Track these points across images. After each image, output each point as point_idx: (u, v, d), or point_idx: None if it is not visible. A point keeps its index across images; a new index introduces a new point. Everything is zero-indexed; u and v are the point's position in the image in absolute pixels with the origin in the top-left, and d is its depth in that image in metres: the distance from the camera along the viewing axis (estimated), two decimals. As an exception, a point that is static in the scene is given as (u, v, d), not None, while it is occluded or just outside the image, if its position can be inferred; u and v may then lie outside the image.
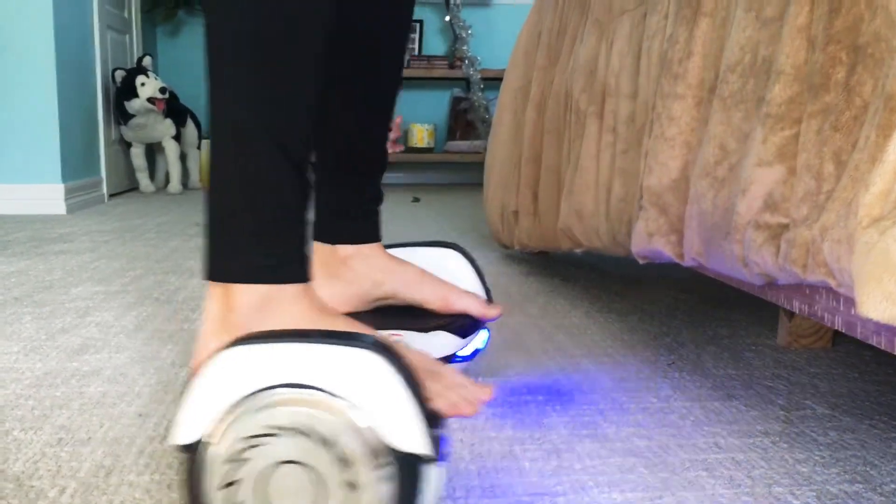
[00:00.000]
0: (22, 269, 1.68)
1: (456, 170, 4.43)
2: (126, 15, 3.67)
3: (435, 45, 4.37)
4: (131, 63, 3.59)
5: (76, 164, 2.90)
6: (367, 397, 0.52)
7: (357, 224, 0.93)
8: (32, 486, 0.68)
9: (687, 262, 0.95)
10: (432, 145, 4.21)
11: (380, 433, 0.51)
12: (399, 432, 0.52)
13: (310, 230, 0.68)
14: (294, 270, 0.65)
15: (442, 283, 0.93)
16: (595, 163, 1.23)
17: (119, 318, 1.26)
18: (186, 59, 4.24)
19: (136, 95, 3.33)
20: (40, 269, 1.68)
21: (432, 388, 0.61)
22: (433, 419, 0.54)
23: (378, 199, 0.96)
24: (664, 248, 0.97)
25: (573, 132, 1.33)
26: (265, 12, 0.62)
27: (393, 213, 2.87)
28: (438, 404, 0.61)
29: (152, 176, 3.75)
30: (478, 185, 4.16)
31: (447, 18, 4.15)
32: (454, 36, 4.15)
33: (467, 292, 0.93)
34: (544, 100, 1.54)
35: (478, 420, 0.84)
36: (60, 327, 1.20)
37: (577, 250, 1.36)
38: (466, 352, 0.92)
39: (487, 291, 0.97)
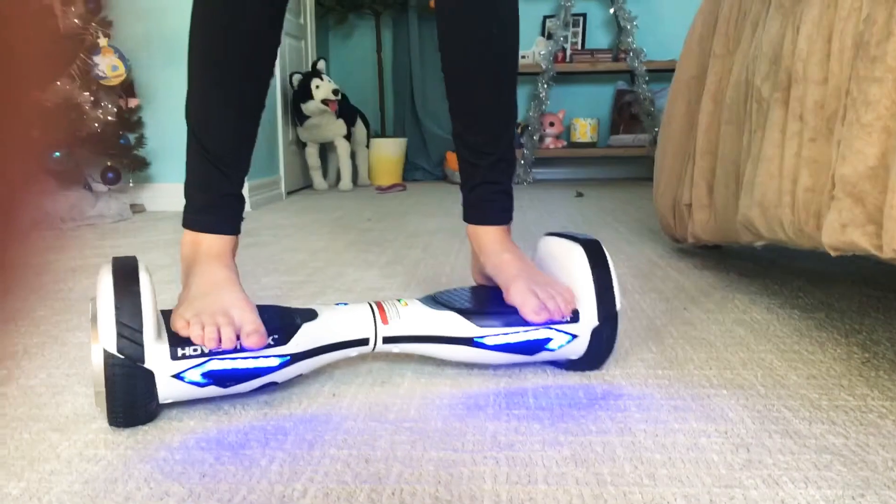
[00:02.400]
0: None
1: (619, 164, 4.36)
2: (301, 21, 3.87)
3: (599, 38, 4.32)
4: (306, 67, 3.78)
5: (259, 164, 3.08)
6: None
7: (479, 210, 1.10)
8: (246, 454, 0.74)
9: (887, 254, 0.89)
10: (595, 140, 4.16)
11: None
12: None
13: (231, 201, 1.01)
14: (207, 224, 0.98)
15: (517, 275, 0.97)
16: (779, 153, 1.18)
17: (306, 305, 1.33)
18: (356, 61, 4.41)
19: (312, 98, 3.51)
20: (232, 260, 1.81)
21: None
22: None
23: (499, 191, 1.09)
24: (860, 239, 0.92)
25: (754, 122, 1.29)
26: (203, 48, 0.98)
27: (557, 208, 2.87)
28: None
29: (325, 174, 3.93)
30: (641, 179, 4.09)
31: (612, 11, 4.09)
32: (618, 28, 4.08)
33: (530, 291, 0.94)
34: (721, 89, 1.50)
35: (660, 412, 0.83)
36: (255, 314, 1.28)
37: (758, 244, 1.31)
38: (552, 346, 0.94)
39: (604, 291, 0.93)
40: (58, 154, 2.51)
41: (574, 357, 0.95)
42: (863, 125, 0.92)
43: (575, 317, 0.93)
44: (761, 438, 0.77)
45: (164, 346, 0.78)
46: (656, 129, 3.80)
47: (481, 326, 0.91)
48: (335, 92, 3.55)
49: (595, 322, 0.93)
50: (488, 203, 1.08)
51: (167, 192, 2.89)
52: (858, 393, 0.88)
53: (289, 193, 3.52)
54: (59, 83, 2.45)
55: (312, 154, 3.77)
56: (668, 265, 1.67)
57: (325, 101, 3.52)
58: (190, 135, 0.99)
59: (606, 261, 0.95)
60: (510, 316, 0.92)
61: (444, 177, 4.25)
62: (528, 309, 0.91)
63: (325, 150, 3.92)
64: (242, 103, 1.00)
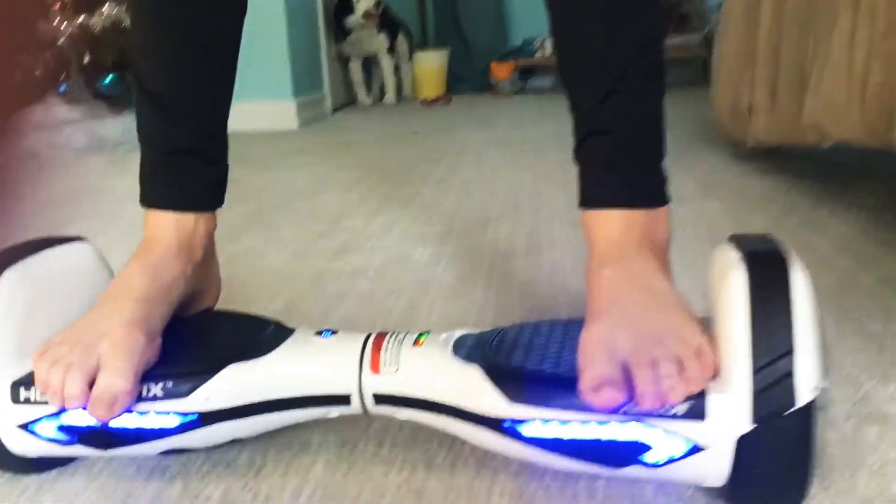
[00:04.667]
0: (272, 180, 1.84)
1: (669, 67, 4.25)
2: (338, -68, 3.78)
3: (644, -65, 4.16)
4: (346, -20, 3.72)
5: (304, 81, 3.08)
6: None
7: (584, 181, 0.66)
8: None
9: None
10: (642, 43, 4.06)
11: None
12: None
13: (186, 161, 0.70)
14: (148, 194, 0.70)
15: (602, 311, 0.56)
16: (847, 51, 1.15)
17: (368, 223, 1.36)
18: (395, -28, 4.32)
19: (352, 11, 3.46)
20: (289, 179, 1.83)
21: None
22: None
23: (616, 147, 0.64)
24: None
25: (821, 21, 1.25)
26: None
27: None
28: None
29: (369, 89, 3.91)
30: (690, 83, 3.99)
31: None
32: (666, -77, 3.92)
33: (605, 346, 0.52)
34: (784, -14, 1.44)
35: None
36: (319, 231, 1.31)
37: (823, 145, 1.29)
38: (651, 460, 0.50)
39: (773, 357, 0.47)
40: (108, 79, 2.53)
41: (710, 484, 0.52)
42: (942, 18, 0.88)
43: (697, 408, 0.49)
44: (838, 340, 0.77)
45: (5, 386, 0.57)
46: (707, 29, 3.69)
47: (516, 402, 0.52)
48: (376, 5, 3.49)
49: (745, 423, 0.48)
50: (596, 168, 0.65)
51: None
52: (933, 293, 0.88)
53: (334, 110, 3.52)
54: (105, 7, 2.45)
55: (356, 69, 3.74)
56: (728, 170, 1.65)
57: (366, 15, 3.48)
58: (134, 76, 0.71)
59: (789, 299, 0.49)
60: (569, 390, 0.51)
61: (489, 87, 4.19)
62: (586, 379, 0.50)
63: (369, 64, 3.89)
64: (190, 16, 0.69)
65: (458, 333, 0.60)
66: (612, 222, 0.61)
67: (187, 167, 0.70)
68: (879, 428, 0.62)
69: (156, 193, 0.69)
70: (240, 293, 1.00)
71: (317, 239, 1.26)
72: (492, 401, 0.53)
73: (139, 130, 0.71)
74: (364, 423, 0.67)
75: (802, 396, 0.47)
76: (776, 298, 0.48)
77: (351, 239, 1.25)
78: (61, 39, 2.43)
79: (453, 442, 0.63)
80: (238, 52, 0.73)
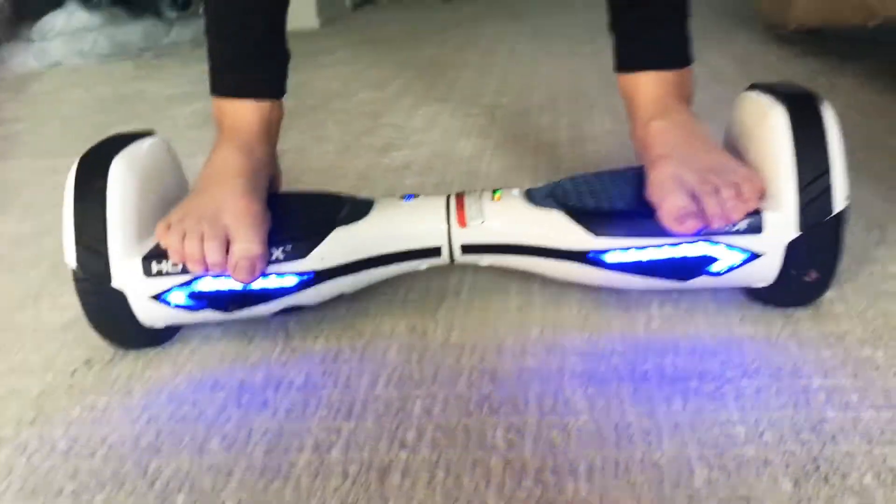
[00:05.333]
0: (304, 80, 1.82)
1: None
2: None
3: None
4: None
5: (323, -22, 3.01)
6: None
7: (624, 49, 0.76)
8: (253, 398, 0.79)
9: None
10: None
11: None
12: None
13: (263, 52, 0.74)
14: (230, 85, 0.74)
15: (663, 156, 0.64)
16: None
17: (408, 119, 1.35)
18: None
19: None
20: (321, 78, 1.82)
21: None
22: None
23: (653, 20, 0.73)
24: None
25: None
26: None
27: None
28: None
29: (388, -16, 3.81)
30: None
31: None
32: None
33: (676, 182, 0.60)
34: None
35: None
36: (361, 129, 1.31)
37: (870, 23, 1.26)
38: (717, 269, 0.61)
39: (813, 179, 0.57)
40: (127, -17, 2.49)
41: (760, 285, 0.63)
42: None
43: (756, 222, 0.59)
44: (891, 218, 0.78)
45: (137, 262, 0.61)
46: None
47: (599, 235, 0.61)
48: None
49: (793, 231, 0.58)
50: (633, 35, 0.74)
51: (236, 14, 2.86)
52: None
53: (355, 7, 3.44)
54: None
55: (374, -37, 3.64)
56: (766, 52, 1.61)
57: None
58: None
59: (822, 128, 0.58)
60: (645, 221, 0.60)
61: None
62: (666, 211, 0.59)
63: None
64: None
65: (526, 188, 0.68)
66: (650, 82, 0.72)
67: (262, 57, 0.74)
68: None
69: (236, 83, 0.74)
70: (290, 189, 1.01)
71: (359, 136, 1.27)
72: (577, 236, 0.62)
73: (209, 25, 0.75)
74: (432, 309, 0.69)
75: (838, 206, 0.58)
76: (813, 129, 0.59)
77: (394, 135, 1.25)
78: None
79: (521, 323, 0.65)
80: None
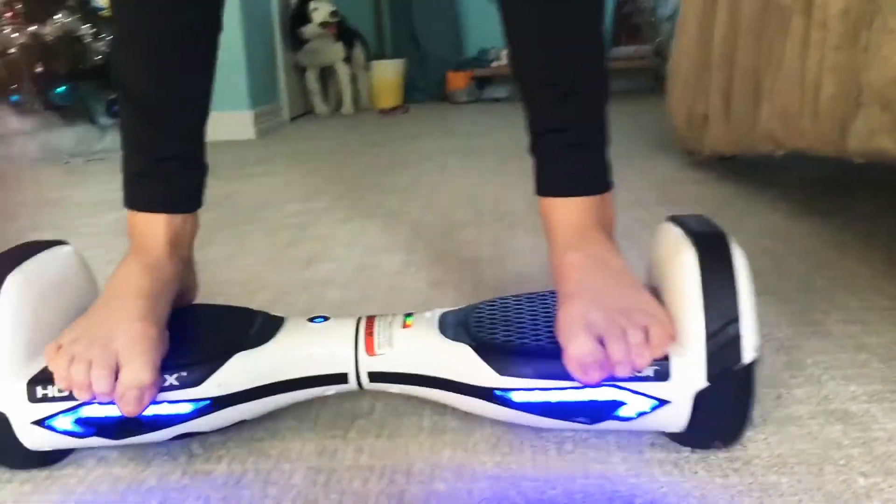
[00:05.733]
0: (236, 190, 1.83)
1: (622, 77, 4.32)
2: (294, -58, 3.78)
3: (597, -53, 4.22)
4: (302, -11, 3.71)
5: (261, 91, 3.06)
6: None
7: (542, 172, 0.74)
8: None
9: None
10: (597, 53, 4.11)
11: None
12: None
13: (174, 167, 0.73)
14: (139, 198, 0.73)
15: (574, 293, 0.63)
16: (801, 61, 1.18)
17: (334, 231, 1.36)
18: (350, -18, 4.32)
19: (309, 21, 3.45)
20: (251, 189, 1.83)
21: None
22: None
23: (572, 142, 0.72)
24: (888, 145, 0.94)
25: (774, 31, 1.28)
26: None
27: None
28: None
29: (326, 98, 3.90)
30: (645, 92, 4.06)
31: (610, -82, 3.98)
32: (618, -64, 3.99)
33: (583, 324, 0.59)
34: (738, -3, 1.48)
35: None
36: (286, 241, 1.31)
37: (778, 153, 1.33)
38: (625, 414, 0.59)
39: (722, 327, 0.56)
40: (61, 89, 2.49)
41: (673, 430, 0.61)
42: (891, 31, 0.92)
43: (663, 369, 0.57)
44: (798, 341, 0.80)
45: (21, 385, 0.59)
46: (658, 40, 3.76)
47: (504, 374, 0.60)
48: (333, 14, 3.49)
49: (701, 382, 0.57)
50: (554, 161, 0.72)
51: (172, 123, 2.88)
52: (888, 293, 0.91)
53: (292, 120, 3.50)
54: (58, 16, 2.41)
55: (312, 79, 3.73)
56: (684, 178, 1.69)
57: (323, 24, 3.47)
58: (117, 82, 0.74)
59: (731, 270, 0.57)
60: (552, 361, 0.58)
61: (446, 97, 4.21)
62: (571, 355, 0.57)
63: (325, 74, 3.88)
64: (175, 26, 0.71)
65: (440, 312, 0.68)
66: (570, 208, 0.71)
67: (175, 171, 0.73)
68: (842, 426, 0.64)
69: (147, 197, 0.73)
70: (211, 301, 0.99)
71: (284, 248, 1.26)
72: (483, 374, 0.61)
73: (124, 137, 0.74)
74: (342, 429, 0.67)
75: (748, 355, 0.56)
76: (722, 273, 0.57)
77: (319, 248, 1.25)
78: (13, 49, 2.39)
79: (432, 445, 0.64)
80: (216, 55, 0.75)
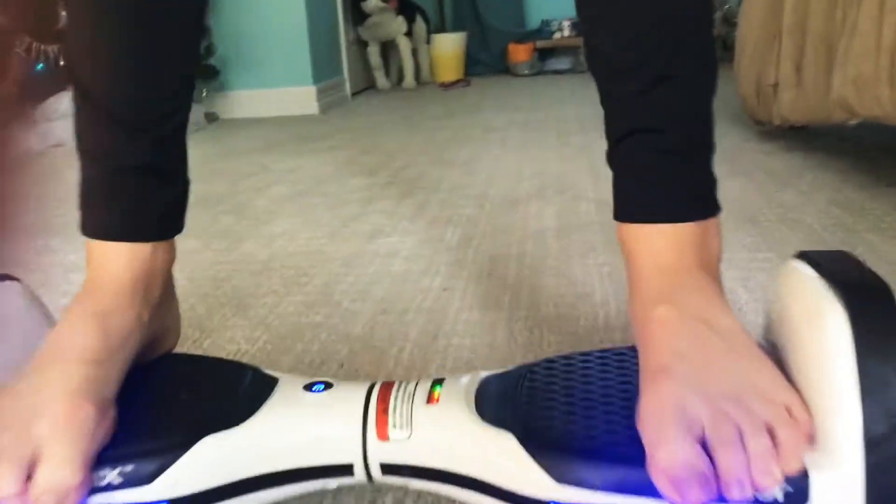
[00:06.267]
0: (300, 165, 1.85)
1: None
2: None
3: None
4: (363, -36, 3.72)
5: (324, 66, 3.09)
6: None
7: (623, 190, 0.55)
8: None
9: None
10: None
11: None
12: None
13: (139, 182, 0.56)
14: (95, 224, 0.56)
15: (664, 368, 0.44)
16: (877, 25, 1.14)
17: (397, 205, 1.37)
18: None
19: (371, -5, 3.46)
20: (315, 164, 1.85)
21: None
22: None
23: (663, 148, 0.52)
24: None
25: (849, -6, 1.24)
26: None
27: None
28: None
29: (387, 73, 3.91)
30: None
31: None
32: None
33: (678, 418, 0.40)
34: (810, -39, 1.44)
35: (765, 294, 0.85)
36: (350, 215, 1.33)
37: (851, 122, 1.29)
38: None
39: (889, 432, 0.37)
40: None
41: None
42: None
43: (798, 492, 0.38)
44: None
45: None
46: (726, 6, 3.66)
47: (563, 483, 0.42)
48: (394, -12, 3.50)
49: (858, 498, 0.38)
50: (640, 174, 0.53)
51: (240, 99, 2.92)
52: (966, 267, 0.89)
53: (354, 95, 3.53)
54: None
55: (374, 53, 3.74)
56: (753, 148, 1.65)
57: (384, -1, 3.48)
58: (70, 74, 0.56)
59: None
60: (631, 469, 0.41)
61: (507, 70, 4.18)
62: (659, 467, 0.39)
63: (386, 48, 3.89)
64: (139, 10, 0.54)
65: (479, 378, 0.51)
66: (661, 240, 0.51)
67: (141, 187, 0.56)
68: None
69: (103, 220, 0.56)
70: (277, 273, 1.02)
71: (349, 222, 1.28)
72: (533, 479, 0.43)
73: (78, 143, 0.57)
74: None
75: None
76: (889, 349, 0.38)
77: (384, 221, 1.27)
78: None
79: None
80: (199, 37, 0.61)
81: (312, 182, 1.63)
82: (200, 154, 2.12)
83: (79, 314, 0.52)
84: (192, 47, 0.60)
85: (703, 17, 0.53)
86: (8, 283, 0.56)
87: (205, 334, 0.84)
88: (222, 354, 0.79)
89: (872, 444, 0.37)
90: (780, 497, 0.38)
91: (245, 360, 0.77)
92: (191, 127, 2.42)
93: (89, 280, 0.55)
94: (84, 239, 0.56)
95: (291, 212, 1.37)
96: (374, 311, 0.88)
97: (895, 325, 0.38)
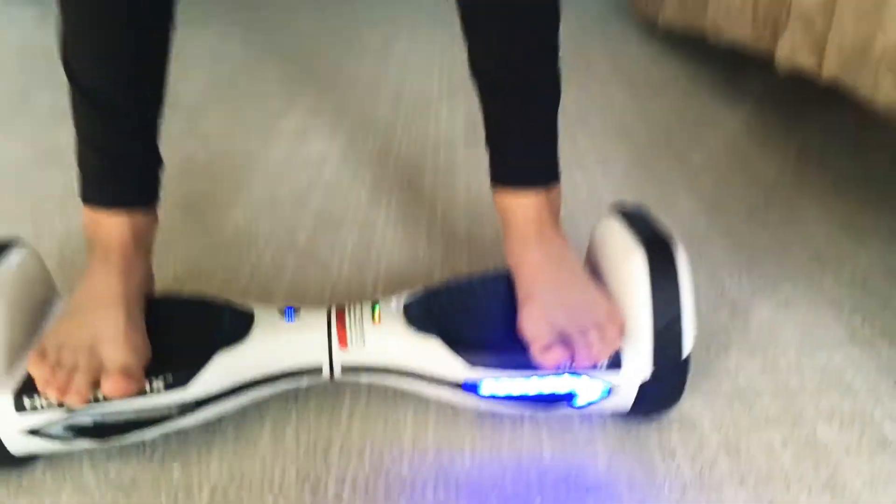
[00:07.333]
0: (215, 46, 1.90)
1: None
2: None
3: None
4: None
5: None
6: None
7: (496, 166, 0.77)
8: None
9: (825, 77, 1.08)
10: None
11: None
12: None
13: (133, 163, 0.74)
14: (103, 196, 0.73)
15: (535, 291, 0.69)
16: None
17: (319, 103, 1.49)
18: None
19: None
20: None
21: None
22: None
23: (527, 138, 0.75)
24: (805, 63, 1.10)
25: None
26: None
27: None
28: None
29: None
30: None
31: None
32: None
33: (546, 320, 0.66)
34: None
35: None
36: (274, 112, 1.44)
37: (719, 41, 1.47)
38: (579, 402, 0.67)
39: (667, 328, 0.64)
40: None
41: (616, 412, 0.70)
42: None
43: (615, 361, 0.65)
44: (708, 239, 1.00)
45: (7, 398, 0.61)
46: None
47: (474, 365, 0.65)
48: None
49: (646, 373, 0.65)
50: (511, 153, 0.76)
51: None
52: (785, 195, 1.12)
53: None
54: None
55: None
56: (638, 50, 1.82)
57: None
58: (69, 75, 0.71)
59: (676, 278, 0.65)
60: (518, 354, 0.65)
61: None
62: (538, 350, 0.64)
63: None
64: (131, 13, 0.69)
65: (404, 299, 0.71)
66: (526, 201, 0.73)
67: (134, 166, 0.74)
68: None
69: (107, 193, 0.73)
70: (228, 182, 1.16)
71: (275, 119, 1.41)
72: (453, 367, 0.65)
73: (78, 131, 0.72)
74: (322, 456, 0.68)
75: (687, 349, 0.65)
76: (668, 277, 0.64)
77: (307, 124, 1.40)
78: None
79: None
80: (170, 47, 0.74)
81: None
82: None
83: (105, 270, 0.69)
84: (168, 46, 0.73)
85: (553, 52, 0.73)
86: (21, 253, 0.69)
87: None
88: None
89: (656, 330, 0.64)
90: (605, 364, 0.64)
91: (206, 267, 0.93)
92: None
93: (101, 241, 0.72)
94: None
95: (215, 105, 1.48)
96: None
97: (672, 261, 0.65)
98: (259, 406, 0.72)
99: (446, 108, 1.45)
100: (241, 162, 1.23)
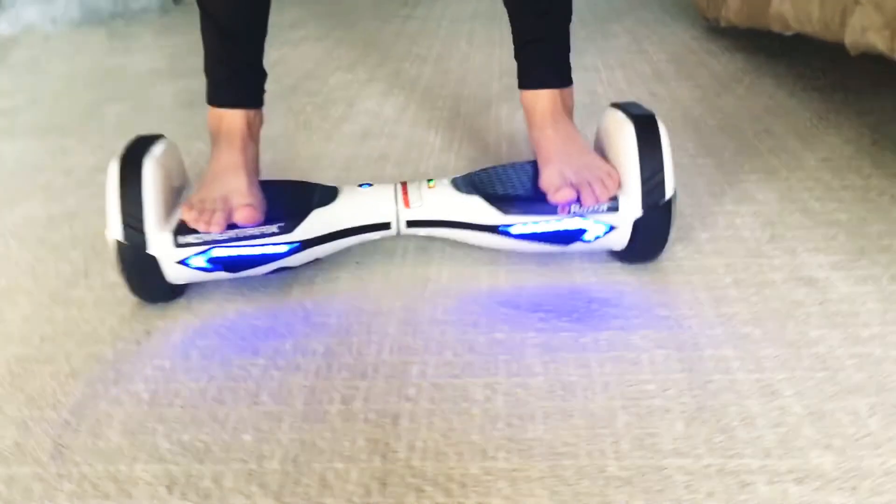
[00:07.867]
0: (281, 58, 1.96)
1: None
2: None
3: None
4: None
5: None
6: None
7: (524, 71, 0.99)
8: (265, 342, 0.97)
9: (897, 57, 1.05)
10: None
11: None
12: None
13: (247, 73, 0.97)
14: (225, 98, 0.96)
15: (552, 156, 0.90)
16: (812, -50, 1.28)
17: (380, 106, 1.51)
18: None
19: None
20: (295, 58, 1.95)
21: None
22: None
23: (548, 49, 0.98)
24: (877, 42, 1.08)
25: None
26: None
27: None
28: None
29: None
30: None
31: None
32: None
33: (561, 175, 0.87)
34: None
35: (701, 197, 1.04)
36: (338, 116, 1.47)
37: (787, 33, 1.45)
38: (588, 238, 0.86)
39: (651, 176, 0.83)
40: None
41: (616, 248, 0.89)
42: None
43: (614, 205, 0.85)
44: (783, 216, 0.98)
45: (168, 235, 0.82)
46: None
47: (507, 214, 0.86)
48: None
49: (637, 212, 0.84)
50: (533, 63, 0.98)
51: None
52: (864, 173, 1.08)
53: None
54: None
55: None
56: (700, 48, 1.80)
57: None
58: (199, 6, 0.95)
59: (658, 140, 0.84)
60: (539, 203, 0.86)
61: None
62: (552, 191, 0.85)
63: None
64: None
65: (451, 177, 0.93)
66: (547, 98, 0.96)
67: (248, 77, 0.97)
68: (807, 289, 0.83)
69: (232, 98, 0.96)
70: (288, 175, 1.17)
71: (339, 124, 1.42)
72: (491, 216, 0.87)
73: (207, 49, 0.96)
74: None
75: (668, 194, 0.84)
76: (652, 141, 0.84)
77: (370, 123, 1.41)
78: None
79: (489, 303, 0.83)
80: None
81: (296, 78, 1.75)
82: (172, 44, 2.19)
83: (228, 149, 0.93)
84: None
85: None
86: (166, 142, 0.90)
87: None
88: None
89: (644, 184, 0.83)
90: (606, 208, 0.84)
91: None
92: (157, 11, 2.50)
93: (225, 131, 0.94)
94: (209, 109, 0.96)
95: (283, 112, 1.51)
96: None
97: (655, 130, 0.84)
98: (326, 382, 0.73)
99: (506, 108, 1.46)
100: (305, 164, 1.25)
